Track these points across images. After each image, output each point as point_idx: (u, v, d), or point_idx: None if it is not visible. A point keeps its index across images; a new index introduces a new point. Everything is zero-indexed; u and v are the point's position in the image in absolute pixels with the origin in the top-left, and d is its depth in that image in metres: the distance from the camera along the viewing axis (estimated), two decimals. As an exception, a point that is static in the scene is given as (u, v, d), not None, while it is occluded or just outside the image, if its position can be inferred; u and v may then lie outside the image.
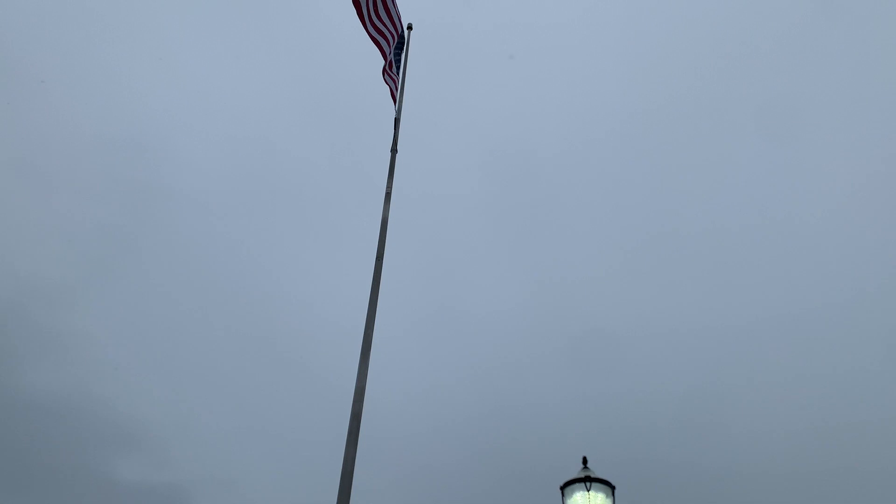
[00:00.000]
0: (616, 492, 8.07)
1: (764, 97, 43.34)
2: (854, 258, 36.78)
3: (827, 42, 43.22)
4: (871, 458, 28.13)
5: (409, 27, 11.11)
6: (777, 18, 44.69)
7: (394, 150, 9.91)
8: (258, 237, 42.23)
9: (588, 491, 7.98)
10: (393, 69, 11.05)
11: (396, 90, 11.11)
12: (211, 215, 41.67)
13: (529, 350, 38.08)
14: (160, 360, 37.35)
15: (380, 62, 10.62)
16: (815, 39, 43.53)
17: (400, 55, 11.32)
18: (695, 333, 35.79)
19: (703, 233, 40.49)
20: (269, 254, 41.63)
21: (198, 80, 45.66)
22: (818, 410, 31.31)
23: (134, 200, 41.16)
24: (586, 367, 36.50)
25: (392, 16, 10.92)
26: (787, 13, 44.24)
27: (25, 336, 35.00)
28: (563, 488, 8.10)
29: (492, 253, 42.70)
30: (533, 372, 37.16)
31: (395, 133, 10.35)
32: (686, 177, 42.63)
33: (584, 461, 8.16)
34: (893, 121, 39.47)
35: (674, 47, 45.06)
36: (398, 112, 10.86)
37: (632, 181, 44.01)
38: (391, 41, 10.95)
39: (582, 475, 7.99)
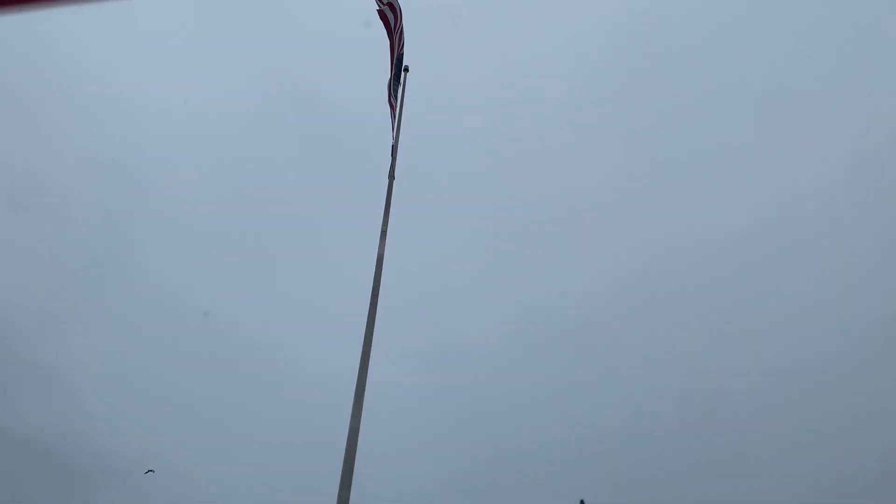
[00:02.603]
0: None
1: (762, 83, 44.05)
2: (852, 245, 37.08)
3: (825, 29, 43.94)
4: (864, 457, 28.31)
5: (406, 69, 11.64)
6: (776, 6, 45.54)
7: (391, 177, 10.39)
8: (247, 271, 42.37)
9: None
10: (392, 93, 11.67)
11: (394, 118, 11.65)
12: (199, 246, 41.86)
13: (522, 375, 38.36)
14: (142, 394, 37.39)
15: (378, 99, 11.17)
16: (813, 26, 44.26)
17: (398, 84, 11.91)
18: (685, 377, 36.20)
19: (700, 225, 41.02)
20: (258, 288, 41.72)
21: (188, 108, 46.33)
22: (810, 406, 31.54)
23: (118, 228, 41.42)
24: (581, 376, 36.72)
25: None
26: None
27: (3, 368, 35.11)
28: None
29: (485, 265, 43.07)
30: (527, 400, 37.42)
31: (392, 160, 10.90)
32: (684, 166, 43.34)
33: (583, 504, 8.37)
34: (890, 107, 39.97)
35: (669, 38, 45.98)
36: (396, 140, 11.40)
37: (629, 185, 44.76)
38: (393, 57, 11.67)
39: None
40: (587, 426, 36.81)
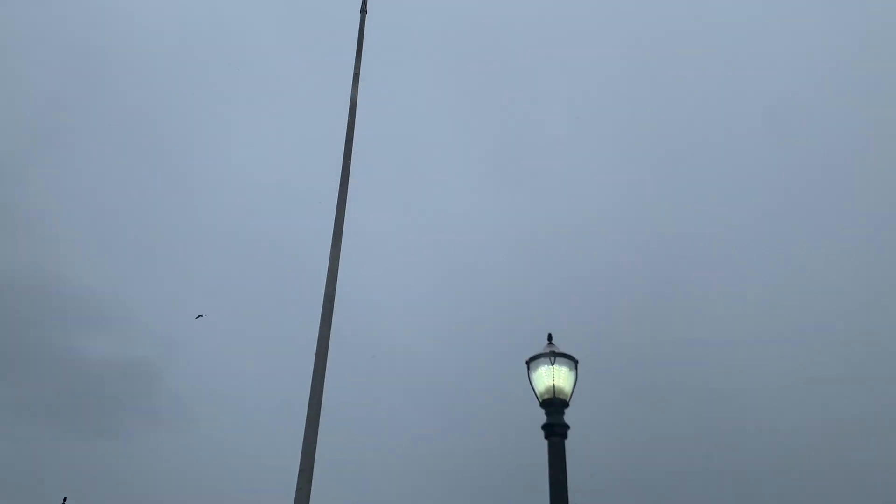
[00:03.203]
0: (579, 366, 9.00)
1: (770, 96, 43.55)
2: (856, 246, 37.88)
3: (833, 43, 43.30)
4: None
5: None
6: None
7: (363, 11, 10.00)
8: (219, 112, 41.21)
9: (553, 365, 8.83)
10: None
11: None
12: (170, 89, 40.34)
13: (498, 223, 39.15)
14: (118, 235, 37.77)
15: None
16: (821, 40, 43.67)
17: None
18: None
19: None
20: (230, 129, 40.87)
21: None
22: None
23: (89, 70, 39.65)
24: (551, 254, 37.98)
25: None
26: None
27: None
28: (528, 363, 8.92)
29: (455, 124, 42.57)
30: (502, 249, 38.50)
31: None
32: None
33: (550, 338, 8.98)
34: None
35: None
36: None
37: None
38: None
39: (547, 350, 8.84)
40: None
